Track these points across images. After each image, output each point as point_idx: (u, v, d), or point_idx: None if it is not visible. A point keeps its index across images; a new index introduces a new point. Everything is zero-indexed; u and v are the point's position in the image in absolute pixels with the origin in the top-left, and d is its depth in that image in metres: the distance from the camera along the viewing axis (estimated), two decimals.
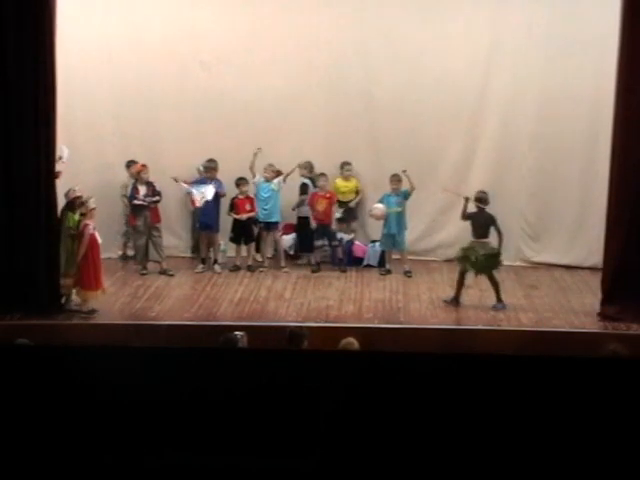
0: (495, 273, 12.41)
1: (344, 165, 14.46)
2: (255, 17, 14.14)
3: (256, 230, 14.21)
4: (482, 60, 14.12)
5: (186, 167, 14.27)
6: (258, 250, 14.33)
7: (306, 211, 14.37)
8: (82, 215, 11.96)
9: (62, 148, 12.44)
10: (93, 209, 12.06)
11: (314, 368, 3.99)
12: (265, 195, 14.06)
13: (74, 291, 11.99)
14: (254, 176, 14.02)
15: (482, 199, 12.58)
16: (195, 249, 14.54)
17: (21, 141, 11.52)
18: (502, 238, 12.41)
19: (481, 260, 12.25)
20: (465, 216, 12.63)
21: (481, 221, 12.48)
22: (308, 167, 14.36)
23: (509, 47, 14.00)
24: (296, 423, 3.87)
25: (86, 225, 11.89)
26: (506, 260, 14.41)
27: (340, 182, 14.49)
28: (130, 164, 14.14)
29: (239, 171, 14.08)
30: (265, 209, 14.09)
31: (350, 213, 14.53)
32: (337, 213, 14.30)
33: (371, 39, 14.25)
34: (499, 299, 12.31)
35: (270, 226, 14.17)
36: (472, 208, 12.61)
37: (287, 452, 3.85)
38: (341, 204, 14.42)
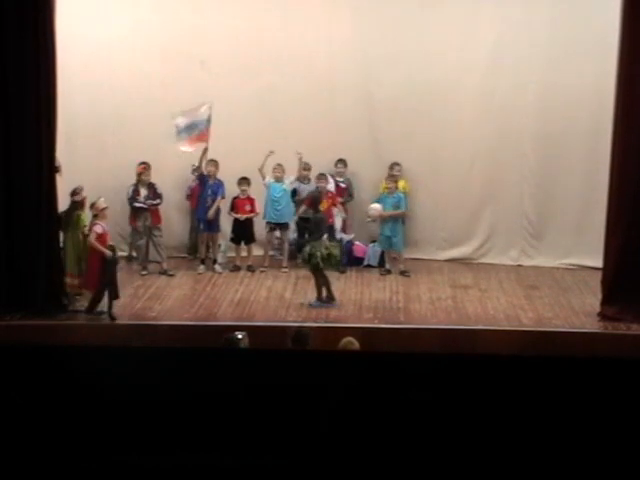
0: (325, 272, 12.41)
1: (393, 166, 14.28)
2: (255, 17, 14.14)
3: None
4: (483, 59, 14.13)
5: (187, 168, 14.28)
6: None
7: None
8: (94, 216, 11.94)
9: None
10: (105, 209, 12.06)
11: (314, 368, 3.99)
12: (277, 195, 14.02)
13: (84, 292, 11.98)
14: (264, 177, 13.99)
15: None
16: (192, 250, 14.48)
17: (22, 140, 11.52)
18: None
19: (323, 257, 12.21)
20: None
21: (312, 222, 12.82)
22: (308, 167, 14.32)
23: (510, 47, 14.00)
24: (296, 423, 3.87)
25: (96, 225, 11.88)
26: (507, 260, 14.49)
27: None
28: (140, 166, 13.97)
29: (240, 171, 14.07)
30: (277, 210, 14.05)
31: None
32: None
33: (371, 39, 14.25)
34: (319, 297, 12.32)
35: (282, 226, 14.16)
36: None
37: (288, 452, 3.85)
38: None
